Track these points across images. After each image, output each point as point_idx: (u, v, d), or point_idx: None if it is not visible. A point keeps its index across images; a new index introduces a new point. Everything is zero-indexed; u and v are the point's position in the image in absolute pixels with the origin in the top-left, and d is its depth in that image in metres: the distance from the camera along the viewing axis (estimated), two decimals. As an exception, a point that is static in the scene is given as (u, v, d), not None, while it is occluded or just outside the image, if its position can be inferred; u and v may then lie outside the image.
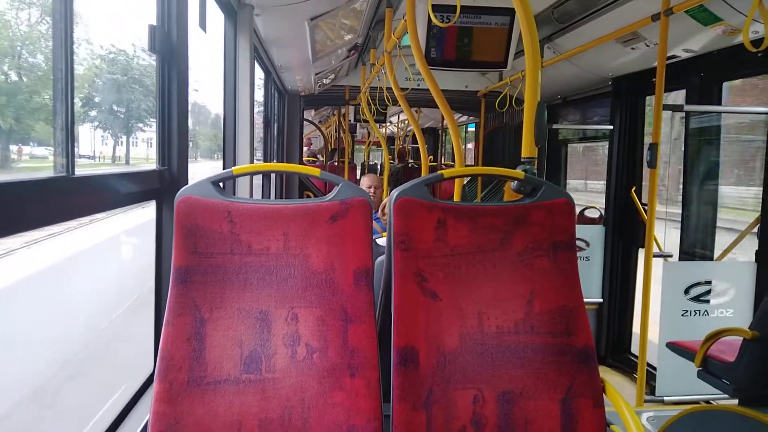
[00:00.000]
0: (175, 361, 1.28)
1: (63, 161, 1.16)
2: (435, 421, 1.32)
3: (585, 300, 1.46)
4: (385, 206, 3.20)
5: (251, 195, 2.79)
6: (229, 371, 1.30)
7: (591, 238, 4.07)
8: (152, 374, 1.42)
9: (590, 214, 4.63)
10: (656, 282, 2.95)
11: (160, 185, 1.71)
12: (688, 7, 2.50)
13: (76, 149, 1.21)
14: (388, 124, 11.20)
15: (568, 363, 1.39)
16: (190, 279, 1.33)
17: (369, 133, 11.50)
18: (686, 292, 2.99)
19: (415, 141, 9.89)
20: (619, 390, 1.37)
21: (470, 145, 9.94)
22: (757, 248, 2.94)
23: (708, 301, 3.02)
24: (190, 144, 1.88)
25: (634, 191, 3.79)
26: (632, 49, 3.27)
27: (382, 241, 2.69)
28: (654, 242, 2.95)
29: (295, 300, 1.36)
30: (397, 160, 10.02)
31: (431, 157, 10.06)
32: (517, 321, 1.41)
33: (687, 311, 3.00)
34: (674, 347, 2.53)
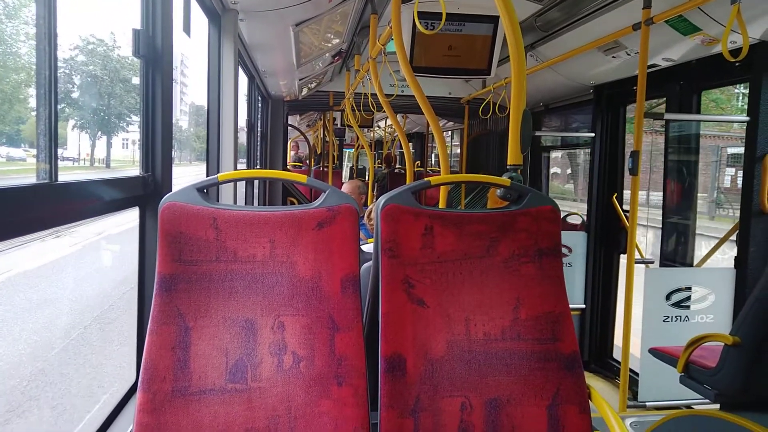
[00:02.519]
0: (159, 370, 1.26)
1: (46, 167, 1.14)
2: (423, 428, 1.31)
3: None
4: (370, 212, 3.20)
5: (235, 201, 2.77)
6: (214, 381, 1.28)
7: (573, 244, 4.10)
8: (135, 384, 1.39)
9: (572, 220, 4.67)
10: (637, 288, 2.99)
11: (144, 192, 1.68)
12: (668, 17, 2.55)
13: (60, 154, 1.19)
14: (376, 128, 11.21)
15: (554, 369, 1.40)
16: (174, 287, 1.31)
17: (358, 137, 11.50)
18: (668, 297, 3.03)
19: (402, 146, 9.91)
20: (602, 396, 1.38)
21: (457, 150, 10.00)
22: (735, 254, 2.99)
23: (689, 307, 3.06)
24: (175, 146, 1.86)
25: (615, 198, 3.84)
26: (613, 57, 3.32)
27: (366, 247, 2.69)
28: (635, 248, 2.99)
29: (281, 308, 1.35)
30: (384, 166, 10.02)
31: (418, 162, 10.08)
32: (503, 328, 1.41)
33: (668, 317, 3.03)
34: (656, 353, 2.55)
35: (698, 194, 3.49)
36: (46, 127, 1.14)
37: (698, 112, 3.44)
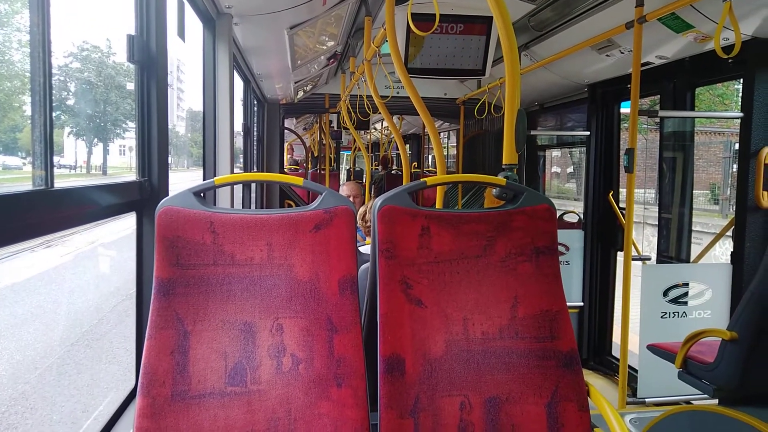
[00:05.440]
0: (158, 375, 1.26)
1: (42, 174, 1.14)
2: (423, 428, 1.32)
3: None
4: (365, 214, 3.21)
5: (232, 205, 2.77)
6: (214, 384, 1.28)
7: (570, 242, 4.11)
8: (134, 389, 1.40)
9: (569, 218, 4.68)
10: (635, 285, 3.00)
11: (141, 196, 1.69)
12: (660, 15, 2.56)
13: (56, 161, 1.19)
14: (372, 130, 11.21)
15: (552, 367, 1.40)
16: (172, 291, 1.31)
17: (354, 140, 11.50)
18: (665, 294, 3.04)
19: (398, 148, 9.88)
20: (601, 393, 1.38)
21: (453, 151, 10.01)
22: (732, 250, 3.00)
23: (686, 303, 3.07)
24: (172, 151, 1.86)
25: (612, 195, 3.85)
26: (607, 56, 3.33)
27: (363, 249, 2.69)
28: (632, 245, 3.00)
29: (279, 310, 1.35)
30: (381, 167, 10.03)
31: (415, 163, 10.10)
32: (501, 327, 1.42)
33: (666, 313, 3.04)
34: (655, 349, 2.56)
35: (708, 191, 3.50)
36: (41, 133, 1.14)
37: (692, 108, 3.45)
